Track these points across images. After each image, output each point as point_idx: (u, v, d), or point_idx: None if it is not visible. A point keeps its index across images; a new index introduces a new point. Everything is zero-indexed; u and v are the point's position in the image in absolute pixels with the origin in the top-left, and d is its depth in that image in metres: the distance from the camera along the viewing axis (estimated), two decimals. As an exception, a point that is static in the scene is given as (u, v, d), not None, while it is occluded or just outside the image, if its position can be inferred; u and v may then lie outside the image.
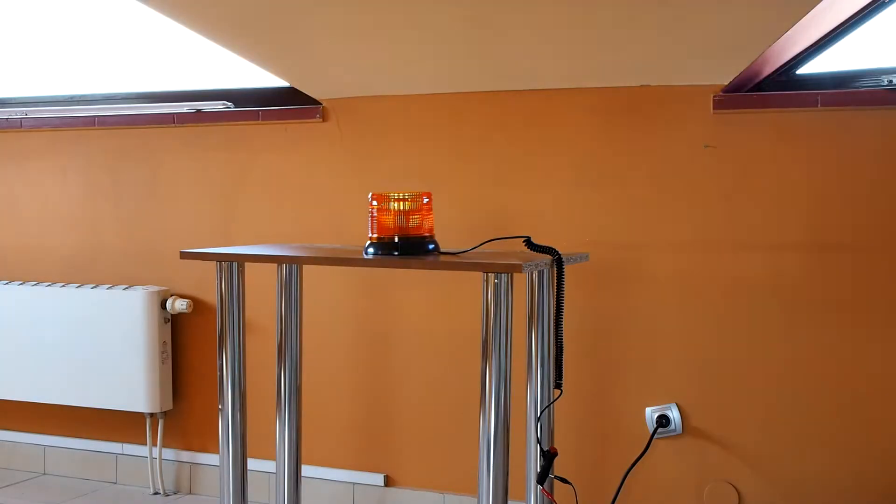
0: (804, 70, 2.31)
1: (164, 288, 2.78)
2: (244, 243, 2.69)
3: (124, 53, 3.05)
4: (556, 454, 1.91)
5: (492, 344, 1.76)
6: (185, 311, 2.75)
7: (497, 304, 1.75)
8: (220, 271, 2.06)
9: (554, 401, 2.00)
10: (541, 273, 1.98)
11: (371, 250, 1.93)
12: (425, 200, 1.93)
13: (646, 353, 2.35)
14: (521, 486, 2.12)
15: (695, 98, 2.28)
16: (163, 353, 2.74)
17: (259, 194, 2.71)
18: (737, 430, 2.29)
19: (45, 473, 3.00)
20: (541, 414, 2.00)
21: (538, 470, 1.93)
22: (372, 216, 1.93)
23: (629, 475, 2.33)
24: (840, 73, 2.27)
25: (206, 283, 2.78)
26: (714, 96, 2.26)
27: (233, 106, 2.76)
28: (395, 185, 2.51)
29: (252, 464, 2.46)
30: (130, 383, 2.73)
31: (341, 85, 2.56)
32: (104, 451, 2.93)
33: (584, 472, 2.40)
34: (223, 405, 2.09)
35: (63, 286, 2.84)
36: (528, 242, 1.92)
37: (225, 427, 2.10)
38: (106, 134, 2.90)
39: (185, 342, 2.82)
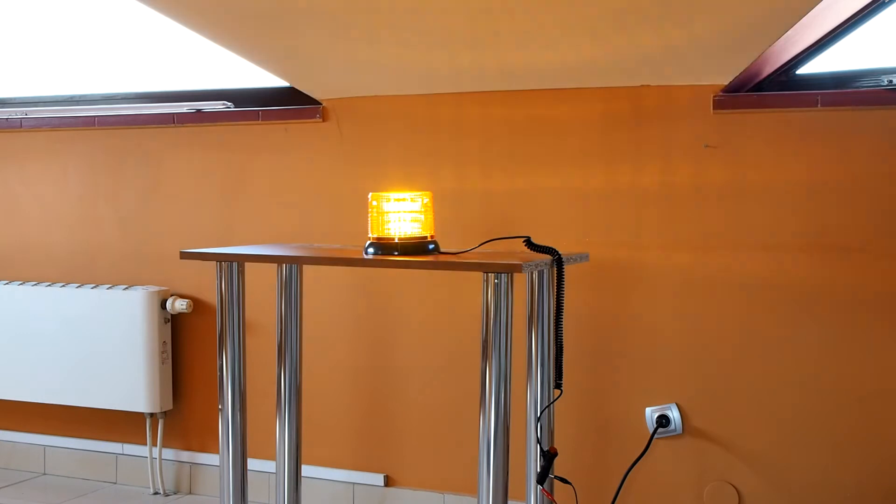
0: (804, 70, 2.31)
1: (164, 288, 2.78)
2: (244, 243, 2.69)
3: (124, 53, 3.05)
4: (556, 454, 1.91)
5: (492, 344, 1.76)
6: (185, 311, 2.75)
7: (497, 304, 1.75)
8: (220, 271, 2.06)
9: (554, 401, 2.00)
10: (541, 273, 1.98)
11: (371, 250, 1.93)
12: (425, 200, 1.93)
13: (646, 353, 2.36)
14: (521, 486, 2.12)
15: (695, 98, 2.28)
16: (163, 353, 2.74)
17: (259, 194, 2.71)
18: (737, 430, 2.29)
19: (45, 473, 3.01)
20: (541, 414, 2.00)
21: (538, 470, 1.93)
22: (372, 216, 1.93)
23: (629, 475, 2.33)
24: (840, 73, 2.27)
25: (206, 283, 2.78)
26: (714, 96, 2.26)
27: (233, 106, 2.76)
28: (395, 185, 2.51)
29: (252, 464, 2.46)
30: (130, 383, 2.73)
31: (341, 85, 2.56)
32: (104, 451, 2.93)
33: (584, 472, 2.40)
34: (223, 405, 2.09)
35: (63, 286, 2.84)
36: (528, 242, 1.92)
37: (225, 427, 2.10)
38: (106, 134, 2.90)
39: (185, 342, 2.82)
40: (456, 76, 2.44)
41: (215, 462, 2.78)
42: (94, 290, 2.79)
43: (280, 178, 2.69)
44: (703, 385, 2.31)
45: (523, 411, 2.04)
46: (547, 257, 1.87)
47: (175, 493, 2.84)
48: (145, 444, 2.83)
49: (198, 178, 2.79)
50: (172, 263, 2.80)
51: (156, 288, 2.76)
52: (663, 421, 2.32)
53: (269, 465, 2.66)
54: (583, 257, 2.05)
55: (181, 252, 2.07)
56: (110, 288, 2.78)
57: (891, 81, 2.17)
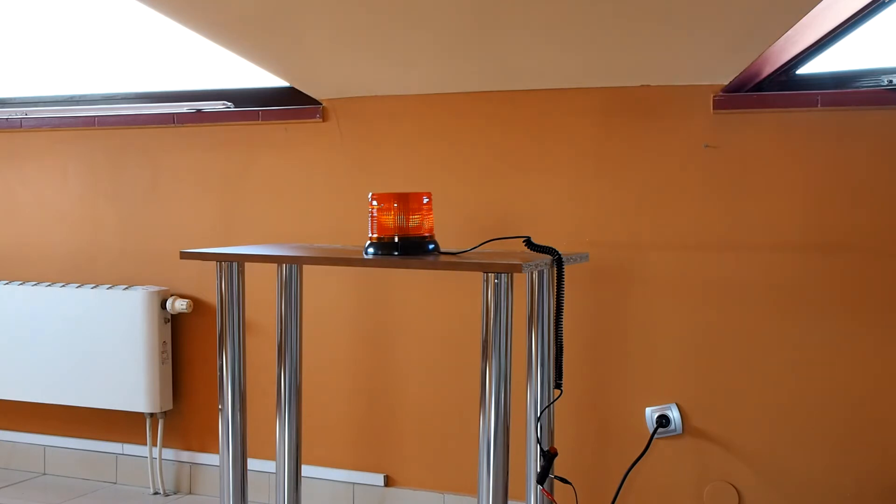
0: (804, 70, 2.31)
1: (164, 288, 2.78)
2: (244, 243, 2.69)
3: (124, 53, 3.05)
4: (556, 454, 1.91)
5: (492, 344, 1.76)
6: (185, 311, 2.75)
7: (497, 304, 1.75)
8: (220, 271, 2.06)
9: (554, 401, 2.00)
10: (541, 273, 1.98)
11: (371, 250, 1.93)
12: (425, 200, 1.93)
13: (646, 353, 2.35)
14: (521, 486, 2.12)
15: (695, 98, 2.28)
16: (163, 353, 2.74)
17: (259, 194, 2.71)
18: (737, 430, 2.29)
19: (45, 473, 3.01)
20: (541, 414, 2.00)
21: (538, 470, 1.93)
22: (372, 216, 1.93)
23: (629, 475, 2.33)
24: (840, 73, 2.27)
25: (206, 283, 2.78)
26: (714, 96, 2.26)
27: (233, 106, 2.76)
28: (395, 185, 2.51)
29: (252, 464, 2.46)
30: (130, 383, 2.73)
31: (341, 85, 2.56)
32: (104, 451, 2.93)
33: (584, 472, 2.40)
34: (223, 405, 2.09)
35: (63, 286, 2.84)
36: (528, 242, 1.92)
37: (225, 427, 2.10)
38: (106, 134, 2.90)
39: (185, 342, 2.82)
40: (456, 76, 2.44)
41: (215, 462, 2.78)
42: (94, 290, 2.79)
43: (280, 178, 2.69)
44: (703, 385, 2.31)
45: (523, 411, 2.04)
46: (547, 257, 1.87)
47: (175, 493, 2.84)
48: (145, 444, 2.83)
49: (198, 178, 2.79)
50: (172, 263, 2.80)
51: (156, 288, 2.76)
52: (663, 421, 2.32)
53: (269, 465, 2.66)
54: (583, 257, 2.05)
55: (181, 252, 2.07)
56: (110, 288, 2.78)
57: (891, 81, 2.17)
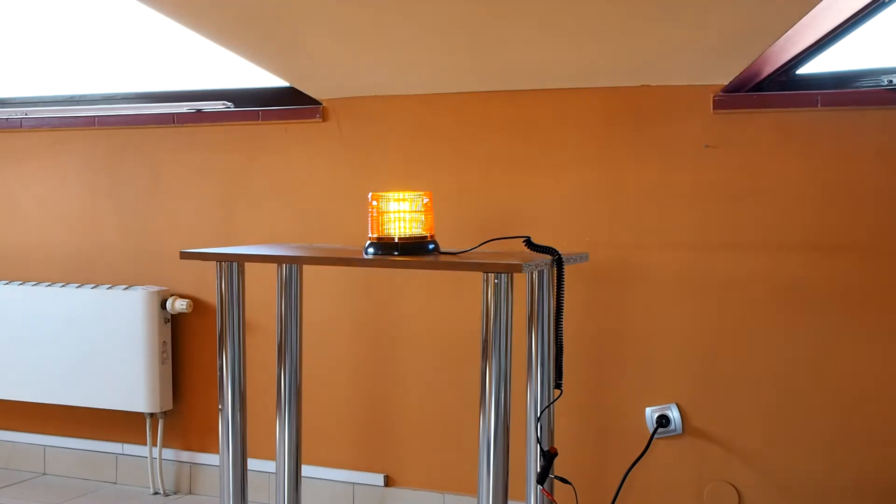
0: (804, 70, 2.31)
1: (164, 288, 2.78)
2: (244, 243, 2.69)
3: (124, 53, 3.05)
4: (556, 454, 1.91)
5: (492, 344, 1.76)
6: (185, 311, 2.75)
7: (497, 304, 1.75)
8: (220, 271, 2.06)
9: (554, 401, 2.00)
10: (541, 273, 1.98)
11: (371, 250, 1.93)
12: (425, 200, 1.93)
13: (646, 353, 2.35)
14: (521, 486, 2.12)
15: (695, 98, 2.28)
16: (163, 353, 2.74)
17: (259, 194, 2.71)
18: (737, 430, 2.29)
19: (45, 473, 3.01)
20: (541, 414, 2.00)
21: (538, 470, 1.93)
22: (372, 216, 1.93)
23: (629, 475, 2.33)
24: (840, 73, 2.27)
25: (206, 283, 2.78)
26: (714, 96, 2.26)
27: (233, 106, 2.76)
28: (395, 185, 2.51)
29: (252, 464, 2.46)
30: (130, 383, 2.73)
31: (341, 85, 2.56)
32: (104, 451, 2.93)
33: (584, 472, 2.40)
34: (223, 405, 2.09)
35: (63, 286, 2.84)
36: (528, 242, 1.92)
37: (225, 427, 2.10)
38: (106, 134, 2.90)
39: (185, 342, 2.82)
40: (456, 76, 2.44)
41: (215, 462, 2.78)
42: (94, 290, 2.79)
43: (280, 178, 2.69)
44: (703, 385, 2.31)
45: (523, 411, 2.04)
46: (547, 257, 1.87)
47: (175, 493, 2.84)
48: (145, 444, 2.83)
49: (198, 178, 2.79)
50: (172, 263, 2.80)
51: (156, 288, 2.76)
52: (663, 421, 2.32)
53: (269, 465, 2.66)
54: (583, 257, 2.05)
55: (181, 252, 2.07)
56: (110, 288, 2.78)
57: (891, 81, 2.17)
